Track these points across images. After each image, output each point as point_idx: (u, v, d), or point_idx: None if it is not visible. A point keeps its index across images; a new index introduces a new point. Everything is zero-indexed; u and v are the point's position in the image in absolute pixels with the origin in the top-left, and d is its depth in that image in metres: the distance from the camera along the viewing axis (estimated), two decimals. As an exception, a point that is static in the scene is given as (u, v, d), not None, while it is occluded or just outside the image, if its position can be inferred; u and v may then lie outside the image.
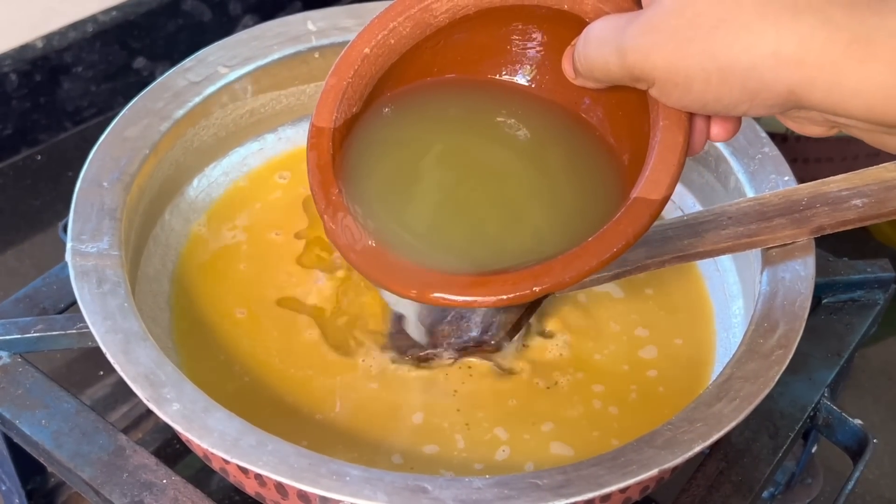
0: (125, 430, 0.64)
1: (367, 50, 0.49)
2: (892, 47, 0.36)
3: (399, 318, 0.57)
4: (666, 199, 0.45)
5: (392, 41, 0.49)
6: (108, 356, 0.48)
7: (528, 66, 0.52)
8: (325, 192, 0.47)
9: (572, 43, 0.46)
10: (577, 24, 0.47)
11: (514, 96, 0.52)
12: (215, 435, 0.45)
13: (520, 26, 0.51)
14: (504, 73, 0.53)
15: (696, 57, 0.40)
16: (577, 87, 0.47)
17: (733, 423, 0.47)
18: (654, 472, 0.45)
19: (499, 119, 0.51)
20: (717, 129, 0.45)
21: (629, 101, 0.47)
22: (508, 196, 0.49)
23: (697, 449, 0.46)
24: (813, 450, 0.64)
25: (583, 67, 0.45)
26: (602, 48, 0.43)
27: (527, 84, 0.52)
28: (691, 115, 0.45)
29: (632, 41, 0.41)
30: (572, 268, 0.45)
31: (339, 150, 0.48)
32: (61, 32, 0.89)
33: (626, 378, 0.57)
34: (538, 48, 0.51)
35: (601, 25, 0.44)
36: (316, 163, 0.48)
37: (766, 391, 0.48)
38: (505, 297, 0.45)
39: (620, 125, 0.50)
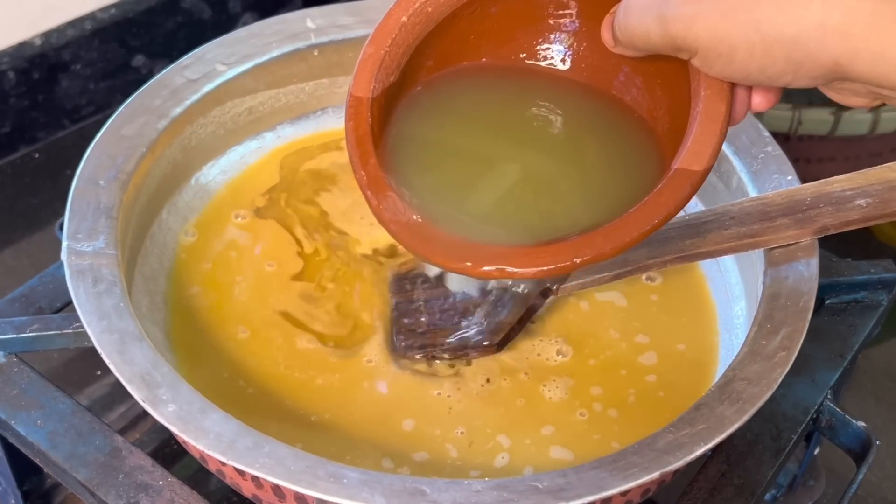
0: (123, 430, 0.64)
1: (404, 18, 0.48)
2: None
3: (398, 317, 0.57)
4: (708, 170, 0.44)
5: (429, 9, 0.49)
6: (104, 356, 0.48)
7: (564, 37, 0.51)
8: (364, 163, 0.46)
9: (611, 11, 0.45)
10: None
11: (549, 81, 0.51)
12: (211, 436, 0.45)
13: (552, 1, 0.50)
14: (540, 46, 0.52)
15: (740, 27, 0.39)
16: (614, 60, 0.47)
17: (735, 426, 0.46)
18: (655, 475, 0.44)
19: (535, 100, 0.51)
20: (758, 98, 0.45)
21: (668, 71, 0.47)
22: (547, 172, 0.49)
23: (699, 452, 0.45)
24: (815, 451, 0.63)
25: (623, 36, 0.44)
26: (643, 17, 0.43)
27: (562, 61, 0.52)
28: (733, 85, 0.44)
29: (674, 10, 0.41)
30: (613, 238, 0.44)
31: (378, 121, 0.48)
32: (60, 30, 0.88)
33: (625, 382, 0.56)
34: (574, 18, 0.51)
35: None
36: (354, 133, 0.47)
37: (769, 393, 0.47)
38: (545, 268, 0.44)
39: (658, 98, 0.49)
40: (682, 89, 0.46)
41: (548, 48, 0.52)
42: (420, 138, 0.49)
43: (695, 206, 0.63)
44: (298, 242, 0.62)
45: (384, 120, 0.49)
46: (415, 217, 0.46)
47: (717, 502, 0.51)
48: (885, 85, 0.38)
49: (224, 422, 0.45)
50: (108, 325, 0.49)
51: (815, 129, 0.84)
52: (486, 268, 0.44)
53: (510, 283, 0.56)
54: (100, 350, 0.48)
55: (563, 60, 0.52)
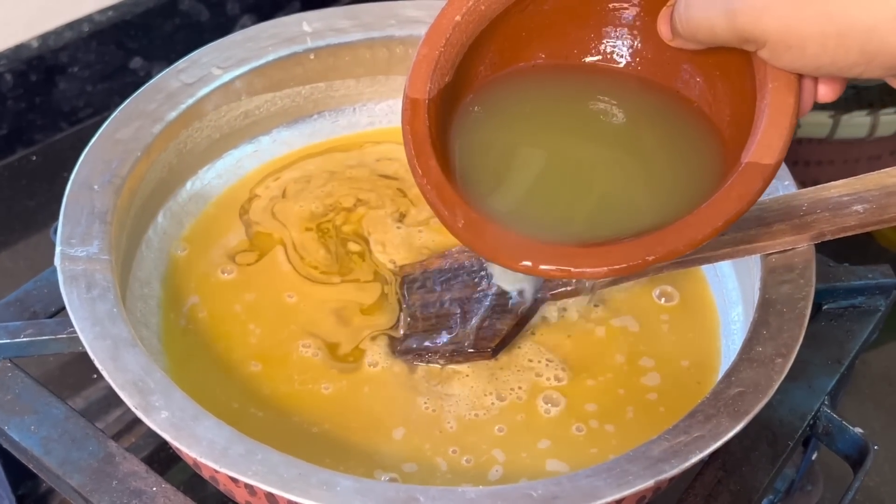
0: (118, 434, 0.64)
1: (458, 17, 0.48)
2: None
3: (399, 322, 0.57)
4: (779, 163, 0.44)
5: (482, 7, 0.49)
6: (96, 363, 0.48)
7: (620, 32, 0.51)
8: (424, 165, 0.46)
9: (668, 4, 0.45)
10: None
11: (607, 77, 0.51)
12: (204, 444, 0.45)
13: None
14: (595, 41, 0.52)
15: (812, 19, 0.39)
16: (672, 54, 0.47)
17: (731, 434, 0.46)
18: (650, 482, 0.44)
19: (594, 99, 0.51)
20: (824, 89, 0.45)
21: (729, 63, 0.46)
22: (610, 171, 0.49)
23: (694, 460, 0.45)
24: (813, 457, 0.63)
25: (684, 29, 0.44)
26: (708, 10, 0.42)
27: (620, 56, 0.51)
28: (800, 76, 0.44)
29: (741, 2, 0.41)
30: (686, 235, 0.44)
31: (434, 122, 0.47)
32: (57, 32, 0.88)
33: (624, 400, 0.56)
34: (629, 11, 0.50)
35: None
36: (412, 135, 0.47)
37: (765, 401, 0.47)
38: (616, 266, 0.44)
39: (719, 91, 0.49)
40: (745, 82, 0.45)
41: (603, 44, 0.52)
42: (480, 140, 0.49)
43: None
44: (298, 249, 0.62)
45: (441, 121, 0.48)
46: (478, 217, 0.46)
47: (714, 509, 0.51)
48: None
49: (217, 429, 0.45)
50: (101, 331, 0.49)
51: (814, 133, 0.84)
52: (555, 267, 0.44)
53: (508, 291, 0.56)
54: (92, 356, 0.48)
55: (619, 56, 0.52)
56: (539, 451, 0.53)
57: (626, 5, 0.51)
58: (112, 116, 0.59)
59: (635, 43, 0.51)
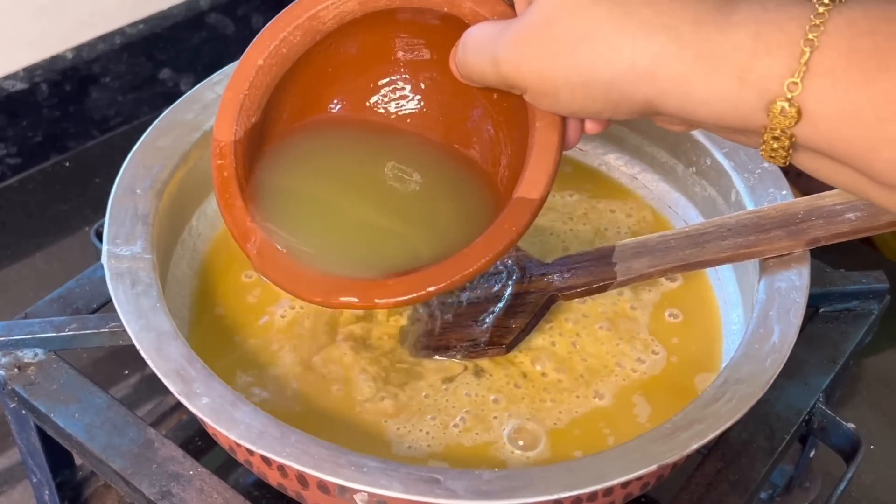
0: (157, 420, 0.67)
1: (260, 62, 0.51)
2: (734, 61, 0.39)
3: (415, 322, 0.60)
4: (544, 197, 0.47)
5: (284, 50, 0.51)
6: (142, 352, 0.51)
7: (418, 72, 0.54)
8: (230, 206, 0.50)
9: (455, 45, 0.49)
10: (459, 26, 0.49)
11: (398, 135, 0.55)
12: (242, 427, 0.48)
13: (404, 34, 0.53)
14: (391, 89, 0.55)
15: (562, 70, 0.43)
16: (466, 99, 0.51)
17: (728, 424, 0.49)
18: (653, 467, 0.47)
19: (387, 151, 0.54)
20: (590, 125, 0.48)
21: (512, 104, 0.50)
22: (399, 216, 0.53)
23: (694, 447, 0.48)
24: (811, 454, 0.66)
25: (462, 70, 0.48)
26: (478, 56, 0.46)
27: (419, 98, 0.55)
28: (564, 117, 0.47)
29: (504, 52, 0.45)
30: (463, 265, 0.47)
31: (242, 162, 0.51)
32: (91, 44, 0.92)
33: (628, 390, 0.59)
34: (423, 52, 0.54)
35: (477, 33, 0.47)
36: (220, 177, 0.50)
37: (761, 394, 0.50)
38: (402, 297, 0.48)
39: (504, 135, 0.52)
40: (522, 122, 0.49)
41: (403, 86, 0.55)
42: (282, 186, 0.52)
43: (695, 218, 0.66)
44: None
45: (251, 159, 0.52)
46: (279, 256, 0.49)
47: (713, 498, 0.54)
48: (692, 119, 0.42)
49: (253, 414, 0.49)
50: (145, 324, 0.52)
51: None
52: (349, 299, 0.48)
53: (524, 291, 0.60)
54: (139, 347, 0.51)
55: (418, 97, 0.55)
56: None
57: (419, 47, 0.54)
58: (153, 125, 0.62)
59: (430, 87, 0.54)
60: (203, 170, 0.64)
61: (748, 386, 0.50)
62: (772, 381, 0.51)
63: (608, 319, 0.61)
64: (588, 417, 0.57)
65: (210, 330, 0.60)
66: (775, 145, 0.40)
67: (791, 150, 0.40)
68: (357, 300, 0.48)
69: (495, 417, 0.56)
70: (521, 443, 0.55)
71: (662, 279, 0.63)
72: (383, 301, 0.48)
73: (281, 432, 0.48)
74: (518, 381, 0.58)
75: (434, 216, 0.53)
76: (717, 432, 0.49)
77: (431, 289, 0.48)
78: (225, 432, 0.48)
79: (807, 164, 0.41)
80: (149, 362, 0.50)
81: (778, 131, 0.39)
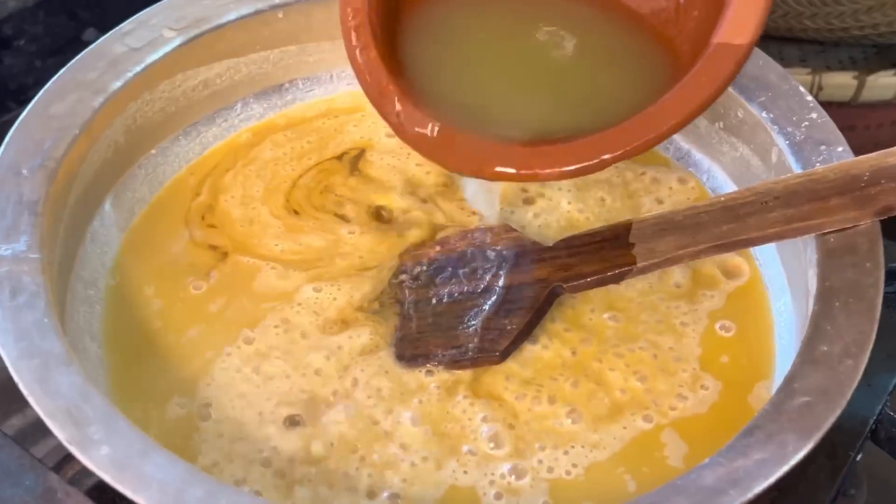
0: (60, 463, 0.56)
1: None
2: None
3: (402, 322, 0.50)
4: (752, 43, 0.42)
5: None
6: (21, 386, 0.40)
7: None
8: (366, 58, 0.45)
9: None
10: None
11: None
12: (154, 487, 0.37)
13: None
14: None
15: None
16: None
17: (800, 455, 0.39)
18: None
19: (542, 6, 0.49)
20: None
21: None
22: (562, 76, 0.47)
23: (758, 490, 0.37)
24: (858, 458, 0.56)
25: None
26: None
27: None
28: None
29: None
30: (648, 127, 0.42)
31: (379, 33, 0.45)
32: (0, 2, 0.84)
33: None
34: None
35: None
36: (358, 47, 0.45)
37: (838, 412, 0.40)
38: (571, 167, 0.42)
39: None
40: None
41: None
42: (423, 48, 0.47)
43: (724, 186, 0.56)
44: (275, 239, 0.54)
45: (384, 18, 0.46)
46: (424, 120, 0.44)
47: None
48: None
49: (170, 467, 0.37)
50: (27, 348, 0.41)
51: (837, 95, 0.79)
52: (507, 169, 0.42)
53: (512, 284, 0.49)
54: (16, 378, 0.40)
55: None
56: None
57: None
58: (44, 89, 0.52)
59: None
60: (113, 142, 0.52)
61: (819, 401, 0.40)
62: (850, 394, 0.40)
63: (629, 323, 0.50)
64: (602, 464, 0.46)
65: (133, 348, 0.49)
66: None
67: None
68: (515, 170, 0.42)
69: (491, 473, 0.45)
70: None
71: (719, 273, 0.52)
72: (546, 171, 0.42)
73: (206, 491, 0.37)
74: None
75: (597, 79, 0.47)
76: (786, 467, 0.38)
77: (607, 156, 0.41)
78: (131, 494, 0.36)
79: None
80: (29, 398, 0.40)
81: None
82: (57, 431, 0.38)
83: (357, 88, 0.60)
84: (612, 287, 0.50)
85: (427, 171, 0.56)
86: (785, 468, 0.38)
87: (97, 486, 0.55)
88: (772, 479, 0.38)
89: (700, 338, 0.49)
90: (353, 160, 0.57)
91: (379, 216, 0.55)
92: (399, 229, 0.54)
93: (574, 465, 0.45)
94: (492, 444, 0.45)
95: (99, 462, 0.37)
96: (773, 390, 0.46)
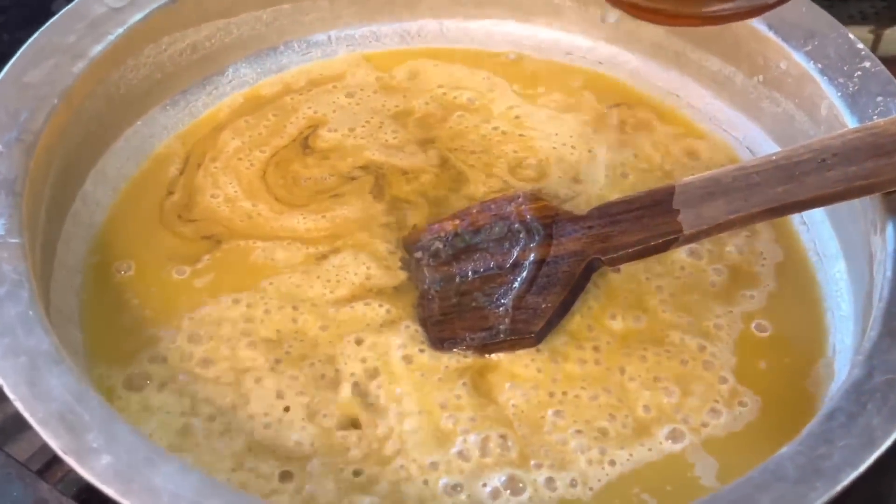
0: (47, 466, 0.51)
1: None
2: None
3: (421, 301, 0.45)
4: None
5: None
6: (6, 389, 0.35)
7: None
8: None
9: None
10: None
11: None
12: (166, 500, 0.32)
13: None
14: None
15: None
16: None
17: (890, 439, 0.34)
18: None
19: None
20: None
21: None
22: None
23: (846, 481, 0.33)
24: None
25: None
26: None
27: None
28: None
29: None
30: None
31: None
32: None
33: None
34: None
35: None
36: None
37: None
38: None
39: None
40: None
41: None
42: None
43: (765, 146, 0.52)
44: (265, 215, 0.49)
45: None
46: None
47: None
48: None
49: (180, 476, 0.33)
50: (11, 344, 0.37)
51: None
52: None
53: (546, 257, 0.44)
54: (2, 381, 0.35)
55: None
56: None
57: None
58: (17, 54, 0.47)
59: None
60: (95, 112, 0.48)
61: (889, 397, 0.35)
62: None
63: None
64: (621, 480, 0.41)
65: (122, 329, 0.45)
66: None
67: None
68: None
69: (484, 485, 0.40)
70: None
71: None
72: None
73: (224, 501, 0.32)
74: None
75: None
76: (877, 453, 0.34)
77: None
78: (139, 509, 0.31)
79: None
80: (17, 404, 0.35)
81: None
82: (51, 441, 0.34)
83: (355, 50, 0.57)
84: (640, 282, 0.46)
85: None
86: (875, 454, 0.34)
87: (83, 489, 0.51)
88: (861, 469, 0.33)
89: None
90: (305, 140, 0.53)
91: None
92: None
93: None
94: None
95: (101, 474, 0.33)
96: (837, 368, 0.42)
